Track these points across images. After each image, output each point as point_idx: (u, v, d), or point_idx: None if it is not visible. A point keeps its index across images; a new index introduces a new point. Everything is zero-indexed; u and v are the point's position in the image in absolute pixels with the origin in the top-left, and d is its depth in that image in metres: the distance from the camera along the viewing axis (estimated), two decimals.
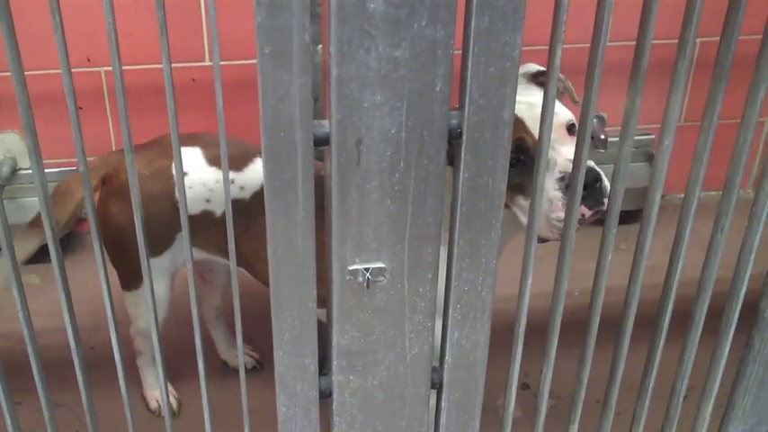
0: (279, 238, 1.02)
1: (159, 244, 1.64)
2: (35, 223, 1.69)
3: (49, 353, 1.28)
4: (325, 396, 1.18)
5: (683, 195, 1.16)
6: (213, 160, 1.62)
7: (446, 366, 1.18)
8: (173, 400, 1.96)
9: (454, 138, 0.99)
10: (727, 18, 1.02)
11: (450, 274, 1.10)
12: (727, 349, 1.33)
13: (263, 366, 2.04)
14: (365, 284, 1.06)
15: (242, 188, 1.61)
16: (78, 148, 1.06)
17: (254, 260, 1.63)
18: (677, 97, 1.03)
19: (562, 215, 1.36)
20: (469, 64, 0.94)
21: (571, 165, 1.37)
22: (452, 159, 1.02)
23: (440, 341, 1.18)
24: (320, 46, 1.13)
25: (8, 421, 1.26)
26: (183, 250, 1.66)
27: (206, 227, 1.62)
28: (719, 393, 1.38)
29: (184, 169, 1.61)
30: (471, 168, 1.01)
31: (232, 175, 1.61)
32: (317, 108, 0.96)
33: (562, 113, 1.41)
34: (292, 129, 0.94)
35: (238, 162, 1.63)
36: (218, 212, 1.60)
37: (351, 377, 1.16)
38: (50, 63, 1.93)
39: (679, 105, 1.05)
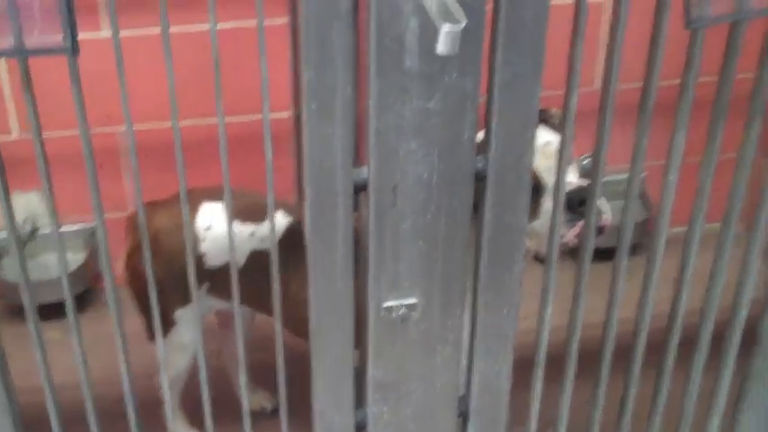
0: (320, 279, 1.10)
1: (186, 294, 1.71)
2: None
3: (78, 405, 1.34)
4: (360, 428, 1.25)
5: (674, 229, 1.25)
6: (236, 213, 1.70)
7: (472, 395, 1.26)
8: None
9: (479, 180, 1.08)
10: (725, 61, 1.12)
11: (477, 307, 1.18)
12: (729, 377, 1.41)
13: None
14: (400, 320, 1.14)
15: (262, 240, 1.69)
16: (96, 208, 1.13)
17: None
18: (681, 135, 1.13)
19: (563, 231, 1.43)
20: (495, 113, 1.03)
21: (567, 186, 1.45)
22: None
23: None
24: None
25: None
26: (206, 300, 1.74)
27: (228, 277, 1.69)
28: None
29: (208, 223, 1.70)
30: (496, 208, 1.10)
31: (252, 227, 1.70)
32: None
33: (555, 142, 1.50)
34: (334, 177, 1.02)
35: (258, 214, 1.71)
36: (241, 263, 1.68)
37: (384, 409, 1.23)
38: (67, 123, 2.00)
39: (682, 144, 1.14)
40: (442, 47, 0.83)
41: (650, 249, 1.26)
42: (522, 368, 1.31)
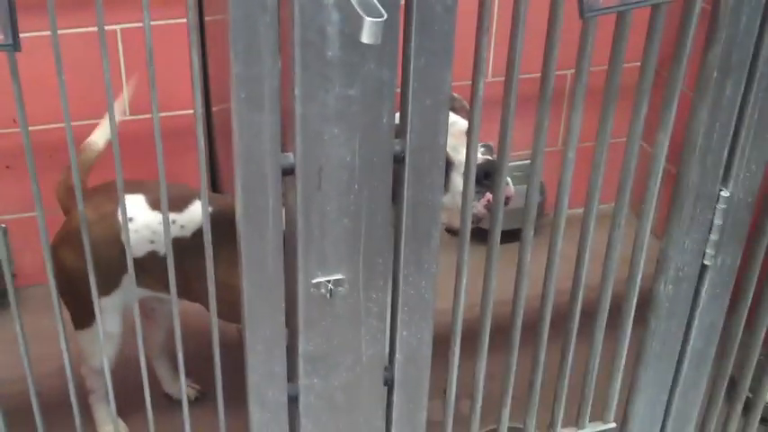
0: (251, 258, 1.17)
1: (108, 284, 1.76)
2: None
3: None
4: (292, 401, 1.32)
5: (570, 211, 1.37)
6: (155, 204, 1.75)
7: (396, 364, 1.34)
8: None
9: (398, 161, 1.16)
10: (613, 51, 1.24)
11: (398, 280, 1.26)
12: (627, 337, 1.54)
13: (205, 396, 2.15)
14: (328, 295, 1.21)
15: (182, 227, 1.76)
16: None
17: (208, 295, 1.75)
18: (577, 118, 1.24)
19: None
20: (410, 98, 1.11)
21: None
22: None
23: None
24: None
25: None
26: (130, 289, 1.79)
27: (152, 266, 1.74)
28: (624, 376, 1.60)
29: (131, 214, 1.75)
30: (413, 187, 1.18)
31: (173, 216, 1.76)
32: None
33: (460, 123, 1.60)
34: (263, 162, 1.10)
35: (178, 204, 1.78)
36: (162, 252, 1.73)
37: (315, 381, 1.30)
38: None
39: (579, 125, 1.26)
40: (366, 37, 0.91)
41: (553, 225, 1.37)
42: (442, 345, 1.41)
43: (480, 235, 1.51)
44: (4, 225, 2.44)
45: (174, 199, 1.77)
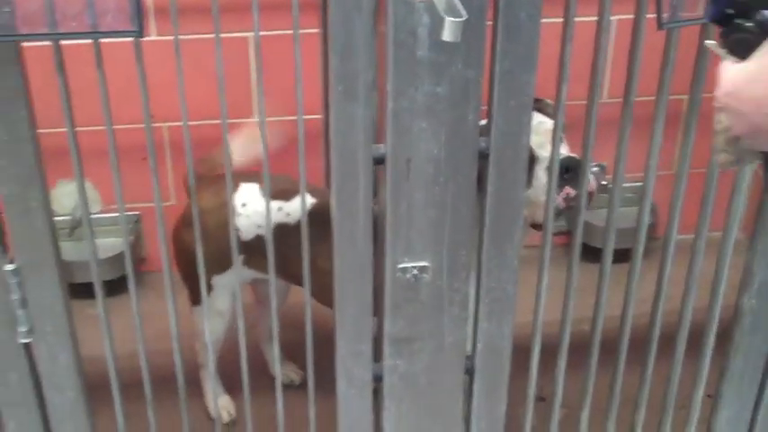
0: (343, 239, 1.27)
1: (223, 263, 1.90)
2: None
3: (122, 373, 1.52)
4: (377, 380, 1.41)
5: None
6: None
7: (477, 354, 1.42)
8: (231, 408, 2.21)
9: (483, 158, 1.25)
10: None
11: (481, 272, 1.34)
12: (709, 356, 1.57)
13: None
14: (413, 280, 1.30)
15: (288, 214, 1.91)
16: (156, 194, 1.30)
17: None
18: (658, 134, 1.30)
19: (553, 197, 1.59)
20: (495, 98, 1.20)
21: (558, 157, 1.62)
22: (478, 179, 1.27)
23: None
24: None
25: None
26: (243, 271, 1.93)
27: (259, 249, 1.87)
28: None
29: (244, 200, 1.90)
30: (497, 183, 1.27)
31: (280, 203, 1.92)
32: None
33: (548, 123, 1.67)
34: (356, 151, 1.20)
35: (287, 194, 1.92)
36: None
37: (398, 362, 1.39)
38: (120, 119, 2.19)
39: (657, 153, 1.32)
40: (447, 35, 1.00)
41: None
42: (524, 357, 1.49)
43: (585, 252, 1.57)
44: (138, 212, 2.64)
45: (283, 189, 1.91)
